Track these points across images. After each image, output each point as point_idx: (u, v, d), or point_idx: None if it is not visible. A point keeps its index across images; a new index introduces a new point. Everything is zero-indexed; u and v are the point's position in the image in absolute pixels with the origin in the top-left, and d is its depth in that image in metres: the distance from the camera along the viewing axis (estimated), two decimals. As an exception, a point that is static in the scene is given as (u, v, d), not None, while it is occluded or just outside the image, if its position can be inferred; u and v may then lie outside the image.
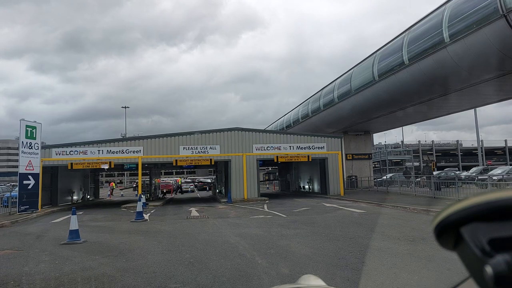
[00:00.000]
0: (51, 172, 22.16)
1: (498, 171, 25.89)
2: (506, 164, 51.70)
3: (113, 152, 21.32)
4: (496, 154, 65.88)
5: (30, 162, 17.81)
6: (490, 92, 20.88)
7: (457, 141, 66.86)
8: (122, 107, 52.68)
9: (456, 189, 16.44)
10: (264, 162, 28.37)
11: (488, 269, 0.44)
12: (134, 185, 47.43)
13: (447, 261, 5.30)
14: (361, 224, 9.76)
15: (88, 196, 30.29)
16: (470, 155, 64.46)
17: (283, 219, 11.86)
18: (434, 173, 33.45)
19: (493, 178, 22.41)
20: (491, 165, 45.20)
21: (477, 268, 0.46)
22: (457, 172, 35.67)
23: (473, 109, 33.85)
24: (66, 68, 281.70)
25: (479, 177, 24.19)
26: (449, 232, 0.53)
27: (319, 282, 1.25)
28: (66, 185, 24.57)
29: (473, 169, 34.25)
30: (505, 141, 64.19)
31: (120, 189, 51.02)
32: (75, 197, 26.50)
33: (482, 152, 51.12)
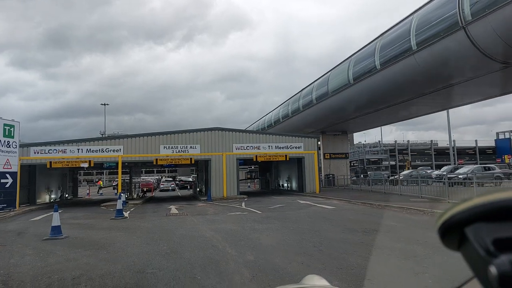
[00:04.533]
0: (29, 171, 22.12)
1: (463, 170, 27.40)
2: (476, 163, 54.15)
3: (93, 151, 21.50)
4: (468, 154, 68.54)
5: (8, 160, 17.85)
6: (460, 96, 22.23)
7: (431, 141, 69.34)
8: (102, 105, 52.11)
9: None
10: (245, 162, 29.05)
11: (493, 269, 0.44)
12: (114, 184, 47.17)
13: (391, 248, 6.11)
14: (328, 219, 10.56)
15: (67, 195, 30.16)
16: (444, 154, 66.97)
17: (258, 215, 12.56)
18: (407, 171, 35.17)
19: (459, 176, 23.80)
20: (461, 164, 47.39)
21: (481, 268, 0.46)
22: (429, 171, 37.38)
23: (447, 111, 35.56)
24: (49, 64, 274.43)
25: (448, 176, 25.57)
26: (453, 233, 0.53)
27: (323, 282, 1.24)
28: (44, 183, 24.53)
29: (444, 168, 35.83)
30: (476, 141, 67.10)
31: (99, 188, 50.52)
32: (53, 196, 26.43)
33: (454, 152, 53.26)
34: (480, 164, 42.14)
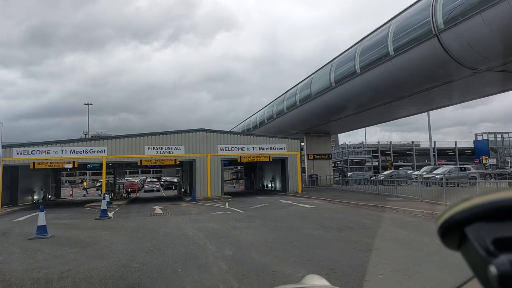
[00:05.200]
0: (12, 172, 21.98)
1: (440, 170, 28.48)
2: (456, 164, 55.94)
3: (76, 152, 21.53)
4: (448, 155, 70.51)
5: (-10, 161, 17.79)
6: (437, 99, 23.19)
7: (413, 142, 71.08)
8: (85, 104, 51.66)
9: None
10: (230, 162, 29.43)
11: (492, 269, 0.44)
12: (97, 185, 46.82)
13: (359, 243, 6.65)
14: (307, 218, 11.08)
15: (50, 196, 29.94)
16: (425, 155, 68.72)
17: (240, 214, 13.00)
18: (388, 172, 36.17)
19: (436, 177, 24.79)
20: (441, 164, 48.92)
21: (481, 268, 0.46)
22: (409, 172, 38.52)
23: (430, 112, 36.69)
24: (30, 62, 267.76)
25: (424, 176, 26.56)
26: (453, 232, 0.53)
27: (323, 282, 1.24)
28: (27, 184, 24.36)
29: (424, 168, 36.99)
30: (455, 142, 69.16)
31: (83, 189, 50.04)
32: (36, 197, 26.25)
33: (434, 152, 54.82)
34: (459, 164, 43.68)
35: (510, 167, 48.29)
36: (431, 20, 15.57)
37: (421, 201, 13.65)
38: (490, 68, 15.87)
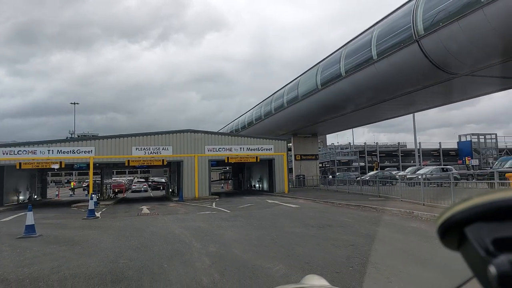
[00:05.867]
0: (-4, 172, 21.82)
1: (423, 170, 29.28)
2: (440, 165, 57.29)
3: (63, 152, 21.50)
4: (433, 155, 71.99)
5: (-24, 161, 17.70)
6: (421, 101, 23.91)
7: (398, 143, 72.42)
8: (71, 103, 51.18)
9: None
10: (218, 163, 29.66)
11: (492, 269, 0.44)
12: (84, 185, 46.47)
13: (336, 239, 7.06)
14: (290, 217, 11.47)
15: (35, 196, 29.72)
16: (411, 156, 70.02)
17: (227, 214, 13.32)
18: (374, 172, 36.87)
19: (419, 177, 25.51)
20: (426, 165, 50.06)
21: (480, 268, 0.46)
22: (394, 172, 39.36)
23: (417, 114, 37.54)
24: (16, 60, 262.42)
25: (407, 176, 27.28)
26: (453, 232, 0.52)
27: (323, 282, 1.25)
28: (12, 185, 24.18)
29: (408, 169, 37.84)
30: (440, 143, 70.75)
31: (70, 189, 49.58)
32: (21, 197, 26.06)
33: (419, 153, 55.98)
34: (444, 165, 44.77)
35: (491, 168, 49.66)
36: (412, 26, 16.17)
37: (401, 200, 14.19)
38: (468, 73, 16.54)
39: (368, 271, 4.82)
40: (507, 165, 22.04)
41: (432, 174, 27.75)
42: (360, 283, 4.27)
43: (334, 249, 6.29)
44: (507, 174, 12.67)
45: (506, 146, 65.25)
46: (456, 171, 30.69)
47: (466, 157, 58.13)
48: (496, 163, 27.68)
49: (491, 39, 13.34)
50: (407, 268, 4.89)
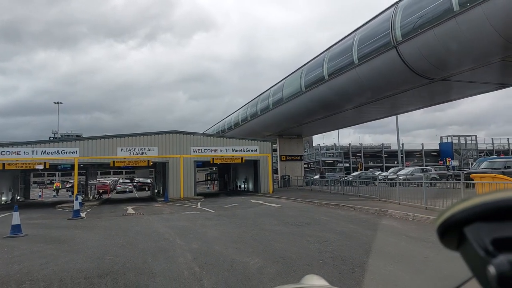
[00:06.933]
0: (-21, 173, 21.63)
1: (404, 171, 30.21)
2: (422, 165, 58.82)
3: (48, 153, 21.44)
4: (416, 156, 73.67)
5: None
6: (403, 104, 24.69)
7: (382, 144, 73.90)
8: (55, 103, 50.58)
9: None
10: (203, 164, 29.92)
11: (491, 269, 0.44)
12: (68, 186, 45.99)
13: (312, 236, 7.53)
14: (272, 216, 11.90)
15: (18, 197, 29.43)
16: (394, 156, 71.50)
17: (211, 213, 13.68)
18: (358, 173, 37.67)
19: (400, 177, 26.36)
20: (408, 165, 51.31)
21: (480, 268, 0.46)
22: (377, 173, 40.31)
23: (402, 115, 38.48)
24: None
25: (389, 177, 28.12)
26: (452, 232, 0.52)
27: (322, 282, 1.25)
28: (-5, 185, 23.96)
29: (391, 169, 38.80)
30: (422, 144, 72.49)
31: (53, 190, 48.97)
32: (4, 198, 25.82)
33: (402, 154, 57.28)
34: (425, 166, 46.02)
35: (469, 168, 51.24)
36: (391, 32, 16.84)
37: (379, 200, 14.81)
38: (444, 78, 17.31)
39: (336, 263, 5.28)
40: (482, 166, 23.04)
41: (412, 175, 28.69)
42: (328, 274, 4.72)
43: (308, 244, 6.75)
44: (471, 175, 13.41)
45: (486, 147, 67.34)
46: (435, 172, 31.80)
47: (447, 158, 59.81)
48: (474, 164, 28.81)
49: (464, 46, 14.08)
50: (371, 260, 5.37)
